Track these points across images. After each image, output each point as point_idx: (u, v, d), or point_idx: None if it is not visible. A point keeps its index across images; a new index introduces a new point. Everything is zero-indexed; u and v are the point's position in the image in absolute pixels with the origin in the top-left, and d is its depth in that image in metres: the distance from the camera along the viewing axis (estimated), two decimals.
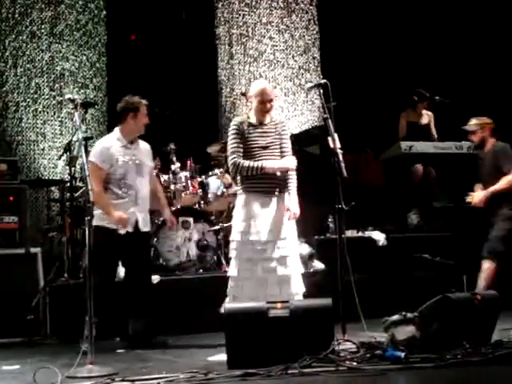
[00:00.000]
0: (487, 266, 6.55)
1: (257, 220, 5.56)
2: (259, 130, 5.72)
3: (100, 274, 5.36)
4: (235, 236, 5.63)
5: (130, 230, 5.92)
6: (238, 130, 5.70)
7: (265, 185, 5.63)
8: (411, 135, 8.65)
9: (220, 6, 9.68)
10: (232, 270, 5.63)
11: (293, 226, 5.69)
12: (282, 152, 5.75)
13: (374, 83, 9.89)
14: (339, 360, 4.67)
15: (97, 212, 5.57)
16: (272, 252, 5.54)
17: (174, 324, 6.48)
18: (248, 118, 5.79)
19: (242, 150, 5.65)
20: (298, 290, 5.56)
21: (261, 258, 5.53)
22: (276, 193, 5.65)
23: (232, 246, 5.67)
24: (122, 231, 5.90)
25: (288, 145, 5.80)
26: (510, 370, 4.64)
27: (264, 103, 5.71)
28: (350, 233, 7.85)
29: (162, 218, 7.19)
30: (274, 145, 5.72)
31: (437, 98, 8.49)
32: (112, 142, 6.00)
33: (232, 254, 5.66)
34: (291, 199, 5.66)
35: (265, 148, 5.68)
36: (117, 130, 6.06)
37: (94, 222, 5.15)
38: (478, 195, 6.76)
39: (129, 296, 6.00)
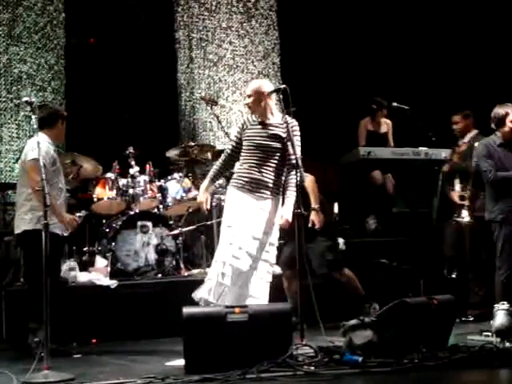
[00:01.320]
0: None
1: (234, 215, 5.50)
2: (258, 128, 5.63)
3: (49, 278, 5.25)
4: (227, 223, 5.51)
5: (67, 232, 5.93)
6: (243, 122, 5.76)
7: (252, 186, 5.54)
8: (370, 144, 8.72)
9: (180, 9, 9.65)
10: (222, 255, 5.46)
11: (276, 232, 5.63)
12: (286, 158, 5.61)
13: (333, 89, 9.95)
14: (297, 365, 4.69)
15: (37, 214, 5.53)
16: (259, 252, 5.48)
17: (132, 329, 6.45)
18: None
19: (235, 142, 5.70)
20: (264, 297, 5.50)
21: (248, 253, 5.43)
22: (257, 193, 5.55)
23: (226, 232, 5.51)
24: (66, 233, 5.89)
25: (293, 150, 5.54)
26: (465, 375, 4.71)
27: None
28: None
29: (119, 223, 7.18)
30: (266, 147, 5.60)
31: (394, 104, 8.55)
32: (49, 145, 5.90)
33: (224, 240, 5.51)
34: (287, 206, 5.57)
35: (257, 147, 5.60)
36: (43, 134, 5.82)
37: (37, 226, 5.10)
38: None
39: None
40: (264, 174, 5.54)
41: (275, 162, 5.56)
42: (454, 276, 7.44)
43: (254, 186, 5.52)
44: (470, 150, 7.04)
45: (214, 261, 5.50)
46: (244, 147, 5.61)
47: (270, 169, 5.54)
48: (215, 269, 5.41)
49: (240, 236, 5.41)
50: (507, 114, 6.28)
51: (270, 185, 5.55)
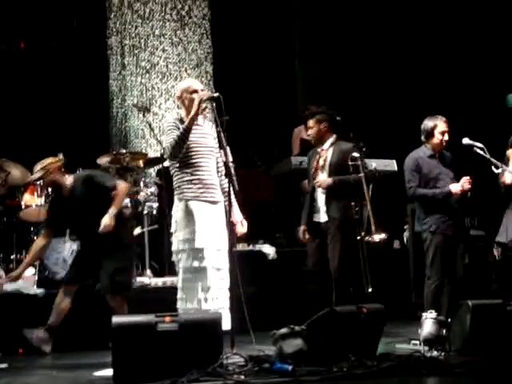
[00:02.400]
0: None
1: (204, 227, 5.37)
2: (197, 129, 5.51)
3: None
4: (181, 245, 5.39)
5: None
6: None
7: (208, 193, 5.46)
8: (304, 152, 8.75)
9: (112, 16, 9.58)
10: (182, 281, 5.41)
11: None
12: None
13: (266, 98, 10.00)
14: (227, 374, 4.65)
15: None
16: (220, 262, 5.41)
17: (60, 338, 6.32)
18: None
19: None
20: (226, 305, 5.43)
21: (211, 267, 5.35)
22: (217, 201, 5.51)
23: (180, 255, 5.40)
24: None
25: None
26: (393, 382, 4.75)
27: None
28: (240, 246, 7.88)
29: None
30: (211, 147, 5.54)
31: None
32: None
33: (180, 264, 5.39)
34: (237, 211, 5.58)
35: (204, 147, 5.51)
36: None
37: None
38: None
39: None
40: (212, 177, 5.52)
41: (215, 163, 5.54)
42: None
43: (208, 192, 5.46)
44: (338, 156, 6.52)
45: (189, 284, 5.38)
46: (189, 151, 5.42)
47: (212, 170, 5.53)
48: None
49: (214, 256, 5.36)
50: (436, 126, 6.39)
51: (218, 187, 5.54)
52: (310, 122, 6.59)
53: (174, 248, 5.47)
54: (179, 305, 5.40)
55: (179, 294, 5.41)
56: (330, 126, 6.64)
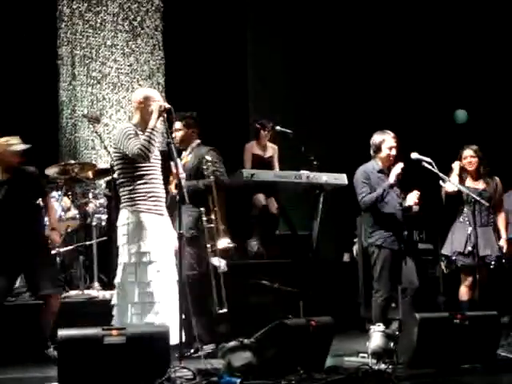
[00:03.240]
0: None
1: (155, 240, 5.32)
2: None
3: None
4: (133, 258, 5.30)
5: None
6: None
7: (159, 206, 5.41)
8: (255, 168, 8.75)
9: (63, 26, 9.49)
10: (132, 296, 5.27)
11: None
12: None
13: (218, 111, 10.00)
14: None
15: None
16: (171, 275, 5.38)
17: (4, 353, 6.19)
18: None
19: None
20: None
21: (165, 280, 5.31)
22: (165, 214, 5.49)
23: (130, 269, 5.30)
24: None
25: None
26: None
27: None
28: None
29: None
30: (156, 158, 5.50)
31: (278, 128, 8.65)
32: None
33: (130, 278, 5.29)
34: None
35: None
36: None
37: None
38: None
39: None
40: (162, 189, 5.49)
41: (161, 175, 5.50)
42: None
43: (159, 205, 5.42)
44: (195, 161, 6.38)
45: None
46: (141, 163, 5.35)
47: (161, 182, 5.50)
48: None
49: (166, 269, 5.34)
50: (383, 141, 6.47)
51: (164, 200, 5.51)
52: (178, 124, 6.34)
53: (124, 260, 5.36)
54: (134, 320, 5.25)
55: (134, 309, 5.26)
56: (198, 133, 6.54)
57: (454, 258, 6.98)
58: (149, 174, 5.38)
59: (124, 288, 5.35)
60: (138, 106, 5.49)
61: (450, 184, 6.83)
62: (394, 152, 6.47)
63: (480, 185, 7.10)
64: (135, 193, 5.36)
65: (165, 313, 5.27)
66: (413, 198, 6.43)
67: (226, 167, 9.09)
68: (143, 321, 5.21)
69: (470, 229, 6.87)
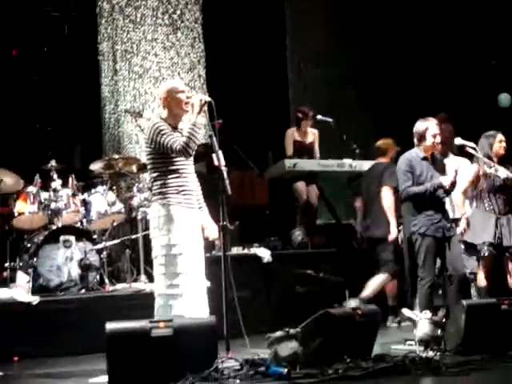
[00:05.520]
0: None
1: (185, 233, 5.30)
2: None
3: None
4: (164, 250, 5.29)
5: None
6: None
7: (190, 200, 5.39)
8: (297, 153, 8.76)
9: (103, 22, 9.54)
10: (160, 288, 5.29)
11: None
12: None
13: (259, 101, 10.02)
14: (222, 378, 4.65)
15: None
16: (202, 268, 5.38)
17: (55, 346, 6.30)
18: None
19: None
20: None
21: (194, 273, 5.30)
22: (196, 208, 5.46)
23: (160, 260, 5.30)
24: None
25: None
26: (389, 383, 4.75)
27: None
28: (235, 250, 7.88)
29: (41, 238, 7.04)
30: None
31: (319, 117, 8.64)
32: None
33: (159, 269, 5.30)
34: (207, 215, 5.56)
35: None
36: None
37: None
38: None
39: None
40: (196, 184, 5.49)
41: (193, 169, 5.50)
42: None
43: (190, 199, 5.40)
44: None
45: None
46: (173, 156, 5.32)
47: (194, 176, 5.49)
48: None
49: (196, 261, 5.32)
50: (427, 129, 6.41)
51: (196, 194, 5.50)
52: None
53: (155, 253, 5.35)
54: (160, 312, 5.22)
55: (162, 301, 5.25)
56: None
57: (483, 247, 6.88)
58: (181, 169, 5.36)
59: (157, 280, 5.34)
60: (164, 101, 5.47)
61: (502, 171, 6.71)
62: (438, 139, 6.41)
63: (509, 170, 6.99)
64: (166, 187, 5.34)
65: (193, 305, 5.24)
66: (449, 177, 6.35)
67: (269, 155, 9.12)
68: (170, 313, 5.17)
69: (495, 217, 6.84)
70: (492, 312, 5.58)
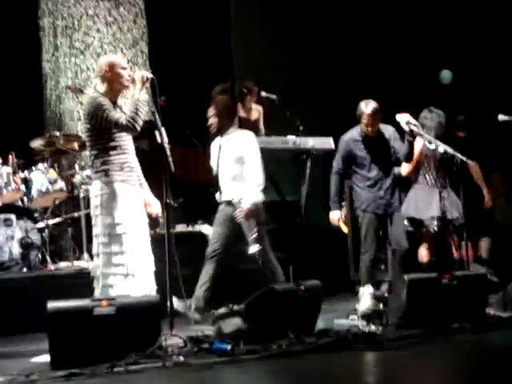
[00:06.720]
0: None
1: (129, 211, 5.24)
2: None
3: None
4: (108, 229, 5.21)
5: None
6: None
7: (133, 177, 5.34)
8: None
9: None
10: (104, 267, 5.19)
11: None
12: None
13: (202, 77, 9.95)
14: (166, 355, 4.65)
15: None
16: (148, 246, 5.35)
17: None
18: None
19: None
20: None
21: (140, 252, 5.25)
22: (138, 184, 5.42)
23: (103, 239, 5.22)
24: None
25: None
26: (332, 358, 4.80)
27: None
28: (180, 227, 7.85)
29: None
30: None
31: (263, 94, 8.62)
32: None
33: (102, 248, 5.20)
34: (148, 191, 5.53)
35: None
36: None
37: None
38: None
39: None
40: (135, 160, 5.43)
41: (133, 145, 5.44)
42: None
43: (133, 176, 5.35)
44: None
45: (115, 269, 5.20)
46: (114, 133, 5.25)
47: (134, 152, 5.43)
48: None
49: (141, 239, 5.28)
50: (361, 114, 6.48)
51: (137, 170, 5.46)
52: None
53: (98, 232, 5.27)
54: (109, 291, 5.15)
55: (107, 281, 5.18)
56: None
57: (431, 222, 6.96)
58: (122, 145, 5.29)
59: (99, 259, 5.26)
60: (105, 74, 5.35)
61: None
62: (370, 128, 6.47)
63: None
64: (108, 164, 5.26)
65: (139, 284, 5.20)
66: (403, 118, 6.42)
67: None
68: (115, 293, 5.10)
69: (438, 191, 6.95)
70: (433, 286, 5.67)
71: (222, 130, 6.57)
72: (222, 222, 6.43)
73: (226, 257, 6.40)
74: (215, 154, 6.61)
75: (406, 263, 6.53)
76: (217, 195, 6.54)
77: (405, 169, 6.97)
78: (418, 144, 6.80)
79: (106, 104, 5.22)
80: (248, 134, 6.59)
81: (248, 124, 8.88)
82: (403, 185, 7.19)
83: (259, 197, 6.35)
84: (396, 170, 6.82)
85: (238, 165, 6.40)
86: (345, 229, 6.60)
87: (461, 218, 6.88)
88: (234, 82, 10.18)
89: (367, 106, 6.44)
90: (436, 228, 6.93)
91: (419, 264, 7.06)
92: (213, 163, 6.65)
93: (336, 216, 6.67)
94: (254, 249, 6.23)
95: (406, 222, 6.90)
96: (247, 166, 6.39)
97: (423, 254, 7.05)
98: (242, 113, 8.91)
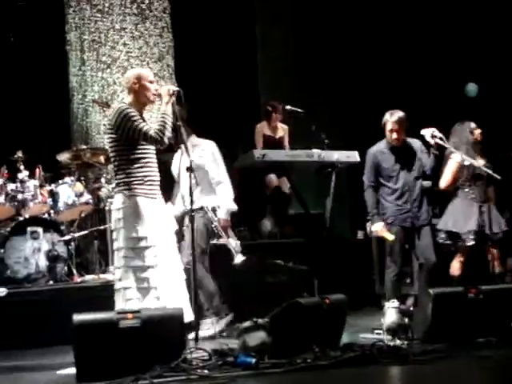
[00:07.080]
0: None
1: (153, 225, 5.26)
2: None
3: None
4: (130, 243, 5.23)
5: None
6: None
7: (155, 191, 5.37)
8: (266, 149, 8.74)
9: (71, 11, 9.48)
10: (127, 281, 5.23)
11: None
12: None
13: (229, 92, 10.00)
14: (190, 369, 4.65)
15: None
16: (176, 260, 5.39)
17: (23, 338, 6.26)
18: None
19: None
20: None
21: (165, 266, 5.27)
22: (160, 198, 5.44)
23: (125, 253, 5.23)
24: None
25: None
26: (357, 372, 4.77)
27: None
28: None
29: (8, 229, 6.98)
30: None
31: (288, 107, 8.63)
32: None
33: (124, 262, 5.23)
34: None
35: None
36: None
37: None
38: None
39: None
40: (157, 173, 5.44)
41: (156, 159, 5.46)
42: None
43: (155, 189, 5.38)
44: None
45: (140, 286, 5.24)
46: (138, 147, 5.28)
47: (156, 166, 5.45)
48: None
49: (166, 253, 5.30)
50: (386, 123, 6.47)
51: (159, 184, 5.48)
52: None
53: (120, 245, 5.28)
54: (132, 304, 5.17)
55: (132, 294, 5.21)
56: None
57: (467, 236, 6.88)
58: (145, 158, 5.31)
59: (121, 273, 5.28)
60: (132, 86, 5.40)
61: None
62: (394, 135, 6.45)
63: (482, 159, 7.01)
64: (131, 177, 5.27)
65: (166, 298, 5.22)
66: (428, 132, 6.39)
67: (238, 148, 9.12)
68: (136, 306, 5.10)
69: (477, 205, 6.86)
70: (459, 300, 5.62)
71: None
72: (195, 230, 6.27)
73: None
74: (177, 162, 6.57)
75: (435, 276, 6.47)
76: (181, 204, 6.36)
77: (443, 183, 6.90)
78: (456, 158, 6.76)
79: (135, 115, 5.25)
80: (210, 143, 6.60)
81: (273, 141, 8.92)
82: (435, 198, 7.16)
83: (234, 206, 6.41)
84: (425, 183, 6.78)
85: (202, 172, 6.35)
86: (390, 237, 6.48)
87: (500, 233, 6.83)
88: (259, 99, 10.25)
89: (392, 115, 6.45)
90: (472, 242, 6.85)
91: (450, 277, 7.00)
92: (174, 171, 6.64)
93: (379, 227, 6.55)
94: (239, 259, 6.24)
95: (443, 235, 6.85)
96: (214, 175, 6.44)
97: (455, 267, 6.95)
98: (267, 131, 8.96)
